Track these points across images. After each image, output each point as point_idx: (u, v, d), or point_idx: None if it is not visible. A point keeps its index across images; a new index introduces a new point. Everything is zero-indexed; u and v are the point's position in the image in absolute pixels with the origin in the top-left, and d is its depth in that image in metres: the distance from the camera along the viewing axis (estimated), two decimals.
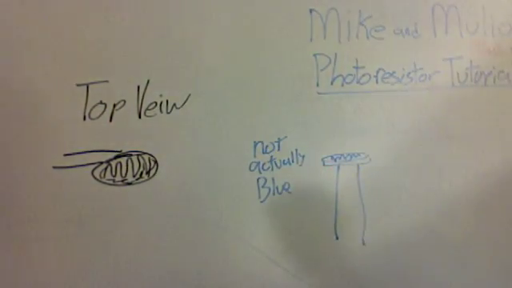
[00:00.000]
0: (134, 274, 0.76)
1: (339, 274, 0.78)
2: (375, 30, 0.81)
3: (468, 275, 0.79)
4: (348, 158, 0.80)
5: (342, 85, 0.81)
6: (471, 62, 0.84)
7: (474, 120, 0.83)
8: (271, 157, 0.79)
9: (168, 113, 0.78)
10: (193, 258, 0.77)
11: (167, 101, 0.78)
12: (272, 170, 0.79)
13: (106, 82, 0.75)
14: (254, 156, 0.79)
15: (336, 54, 0.80)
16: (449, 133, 0.83)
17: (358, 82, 0.81)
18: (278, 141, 0.80)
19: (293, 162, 0.80)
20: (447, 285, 0.78)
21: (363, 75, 0.81)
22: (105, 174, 0.76)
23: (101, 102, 0.75)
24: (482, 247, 0.80)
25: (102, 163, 0.76)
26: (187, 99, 0.78)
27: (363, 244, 0.79)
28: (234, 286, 0.77)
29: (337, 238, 0.79)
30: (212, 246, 0.77)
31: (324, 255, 0.79)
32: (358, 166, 0.80)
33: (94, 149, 0.75)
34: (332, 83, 0.81)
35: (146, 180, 0.77)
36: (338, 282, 0.78)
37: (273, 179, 0.79)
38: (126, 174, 0.77)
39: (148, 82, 0.77)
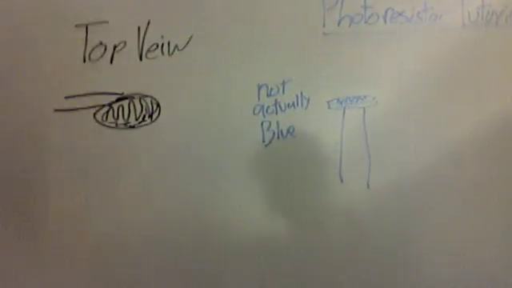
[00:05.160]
0: (136, 216, 0.76)
1: (343, 217, 0.78)
2: None
3: (474, 219, 0.79)
4: (354, 100, 0.79)
5: (349, 25, 0.78)
6: (483, 0, 0.81)
7: (485, 62, 0.81)
8: (275, 100, 0.78)
9: (170, 55, 0.76)
10: (195, 200, 0.77)
11: (169, 42, 0.76)
12: (276, 113, 0.78)
13: (106, 22, 0.73)
14: (258, 99, 0.78)
15: None
16: (458, 76, 0.81)
17: (365, 22, 0.79)
18: (283, 83, 0.78)
19: (297, 105, 0.78)
20: (453, 228, 0.78)
21: (371, 15, 0.79)
22: (107, 117, 0.75)
23: (101, 43, 0.74)
24: (489, 190, 0.79)
25: (103, 106, 0.75)
26: (189, 40, 0.76)
27: (368, 187, 0.78)
28: (235, 228, 0.77)
29: (341, 181, 0.78)
30: (215, 189, 0.77)
31: (328, 198, 0.79)
32: (364, 109, 0.79)
33: (96, 91, 0.74)
34: (339, 24, 0.78)
35: (149, 123, 0.76)
36: (343, 225, 0.78)
37: (277, 123, 0.78)
38: (128, 118, 0.76)
39: (149, 22, 0.75)
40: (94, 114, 0.75)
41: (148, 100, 0.76)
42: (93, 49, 0.74)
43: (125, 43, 0.74)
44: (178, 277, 0.76)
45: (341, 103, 0.79)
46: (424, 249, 0.78)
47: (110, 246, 0.76)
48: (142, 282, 0.75)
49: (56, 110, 0.74)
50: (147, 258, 0.76)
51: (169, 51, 0.76)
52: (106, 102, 0.75)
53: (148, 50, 0.75)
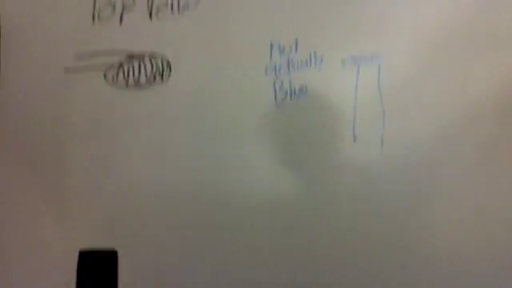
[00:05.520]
0: (148, 175, 0.77)
1: (357, 176, 0.77)
2: None
3: (489, 176, 0.76)
4: (369, 57, 0.76)
5: None
6: None
7: (505, 18, 0.77)
8: (288, 59, 0.76)
9: (179, 14, 0.75)
10: (207, 160, 0.77)
11: (178, 1, 0.75)
12: (289, 72, 0.77)
13: None
14: (271, 58, 0.76)
15: None
16: (476, 32, 0.77)
17: None
18: (296, 41, 0.76)
19: (311, 63, 0.77)
20: (468, 186, 0.76)
21: None
22: (117, 78, 0.75)
23: (109, 2, 0.73)
24: (505, 147, 0.77)
25: (113, 66, 0.74)
26: None
27: (382, 146, 0.77)
28: (248, 187, 0.77)
29: (355, 140, 0.77)
30: (227, 149, 0.77)
31: (342, 157, 0.77)
32: (378, 66, 0.77)
33: (105, 51, 0.74)
34: None
35: (160, 84, 0.75)
36: (356, 183, 0.77)
37: (290, 82, 0.77)
38: (139, 78, 0.75)
39: None
40: (105, 75, 0.74)
41: (159, 60, 0.75)
42: (102, 8, 0.73)
43: (134, 2, 0.74)
44: (191, 234, 0.76)
45: (355, 61, 0.77)
46: (438, 207, 0.77)
47: (122, 205, 0.76)
48: (153, 240, 0.76)
49: (66, 71, 0.74)
50: (159, 216, 0.77)
51: (178, 10, 0.75)
52: (115, 62, 0.74)
53: (157, 10, 0.74)
